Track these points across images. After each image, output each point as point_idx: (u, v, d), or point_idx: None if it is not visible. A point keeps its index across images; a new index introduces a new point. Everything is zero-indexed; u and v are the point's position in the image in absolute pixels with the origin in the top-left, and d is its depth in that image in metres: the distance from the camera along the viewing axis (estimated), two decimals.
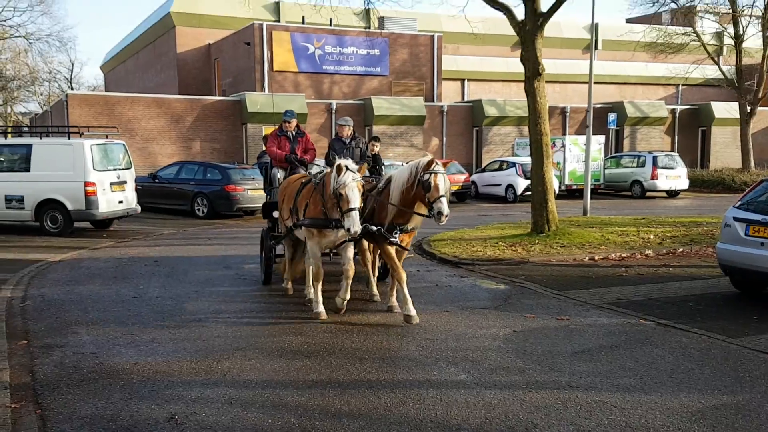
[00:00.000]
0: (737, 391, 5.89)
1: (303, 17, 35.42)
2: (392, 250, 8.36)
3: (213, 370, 6.37)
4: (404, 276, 8.26)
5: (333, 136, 10.07)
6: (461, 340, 7.42)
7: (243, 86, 33.04)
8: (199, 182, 21.41)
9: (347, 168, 7.62)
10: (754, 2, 32.18)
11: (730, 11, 31.39)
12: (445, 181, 7.81)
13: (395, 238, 8.19)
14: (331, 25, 33.43)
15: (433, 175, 7.72)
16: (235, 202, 20.62)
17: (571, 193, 28.30)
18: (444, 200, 7.75)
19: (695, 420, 5.23)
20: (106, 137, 17.95)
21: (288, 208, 8.99)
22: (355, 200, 7.49)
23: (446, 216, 7.69)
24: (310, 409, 5.45)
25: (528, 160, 17.16)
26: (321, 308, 8.36)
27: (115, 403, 5.55)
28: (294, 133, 10.64)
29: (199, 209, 21.14)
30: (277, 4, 38.71)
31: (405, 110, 31.85)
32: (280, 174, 10.54)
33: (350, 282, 8.35)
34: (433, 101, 35.25)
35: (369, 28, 36.22)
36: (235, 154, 29.49)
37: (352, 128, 10.68)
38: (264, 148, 12.61)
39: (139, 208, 18.24)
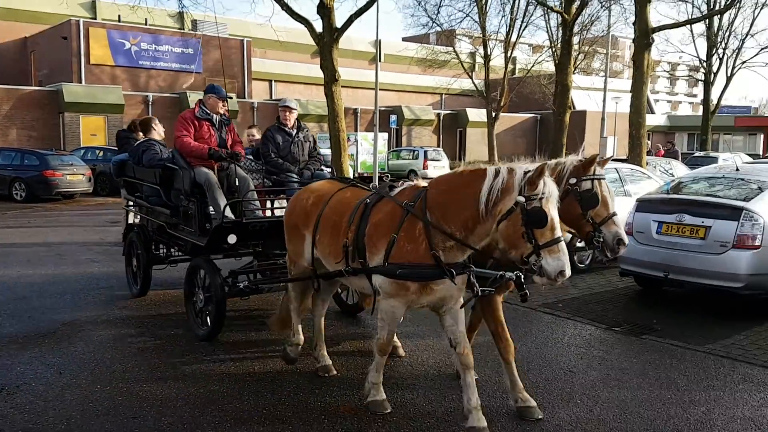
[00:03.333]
0: None
1: (119, 15, 32.76)
2: (500, 303, 4.60)
3: (41, 344, 5.81)
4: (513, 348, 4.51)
5: (273, 125, 6.85)
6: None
7: (60, 77, 29.86)
8: (16, 168, 19.09)
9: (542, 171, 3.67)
10: (498, 30, 35.16)
11: (481, 36, 33.95)
12: (611, 192, 4.40)
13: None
14: (146, 24, 31.27)
15: (597, 182, 4.30)
16: (53, 186, 18.69)
17: (362, 180, 29.03)
18: (618, 220, 4.33)
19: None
20: None
21: (335, 241, 4.51)
22: (557, 223, 3.69)
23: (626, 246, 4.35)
24: (136, 374, 5.19)
25: (328, 152, 17.47)
26: (380, 395, 4.44)
27: None
28: (222, 117, 6.45)
29: (17, 193, 18.88)
30: (94, 2, 35.47)
31: None
32: (209, 176, 6.06)
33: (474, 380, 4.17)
34: (245, 98, 34.39)
35: (183, 29, 34.41)
36: (52, 141, 26.63)
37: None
38: (133, 141, 7.71)
39: None
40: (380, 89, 22.78)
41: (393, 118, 26.33)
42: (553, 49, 30.08)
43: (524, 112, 43.79)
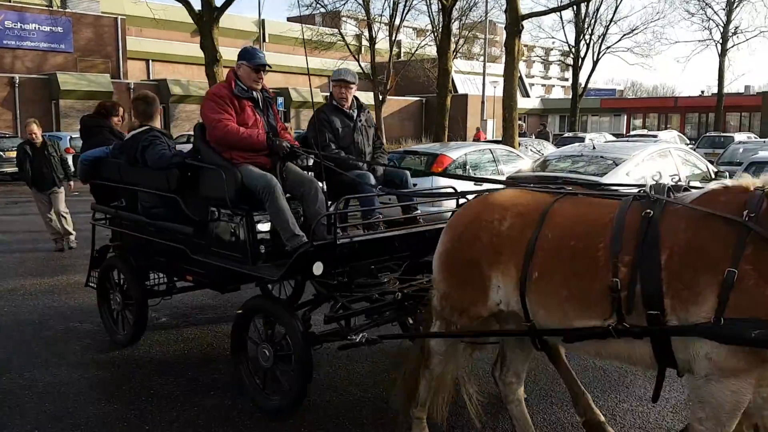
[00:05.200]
0: None
1: None
2: None
3: None
4: None
5: (326, 105, 5.12)
6: None
7: None
8: None
9: None
10: (382, 13, 35.53)
11: (366, 18, 34.18)
12: None
13: None
14: (10, 1, 28.72)
15: None
16: None
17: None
18: None
19: None
20: None
21: (582, 282, 2.79)
22: None
23: None
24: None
25: None
26: None
27: None
28: (265, 95, 4.67)
29: None
30: None
31: (93, 86, 28.92)
32: (269, 179, 4.19)
33: None
34: (119, 78, 32.54)
35: (51, 6, 31.91)
36: None
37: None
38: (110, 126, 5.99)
39: None
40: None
41: (280, 100, 26.04)
42: (435, 34, 30.87)
43: (410, 96, 44.68)
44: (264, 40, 22.64)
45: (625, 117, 49.83)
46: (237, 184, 4.16)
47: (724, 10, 35.86)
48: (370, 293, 4.28)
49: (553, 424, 3.99)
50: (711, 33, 39.28)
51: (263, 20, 22.33)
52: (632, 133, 37.39)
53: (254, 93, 4.52)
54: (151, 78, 37.75)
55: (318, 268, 3.89)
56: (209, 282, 4.80)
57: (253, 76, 4.49)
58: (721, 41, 36.37)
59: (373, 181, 4.66)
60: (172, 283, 5.38)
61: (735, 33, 36.42)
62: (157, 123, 5.20)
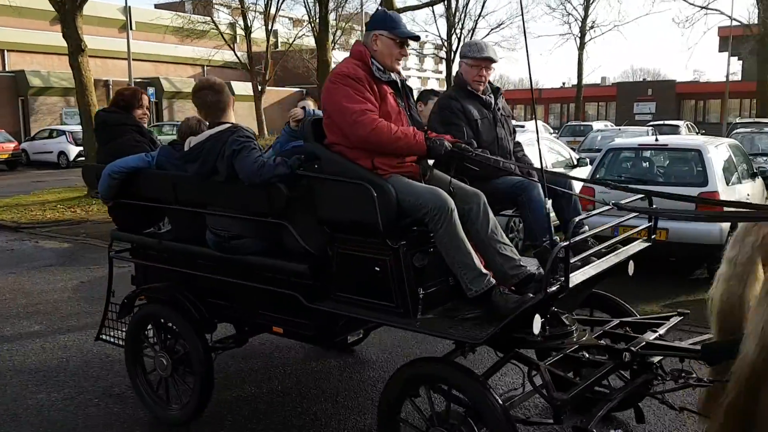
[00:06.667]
0: None
1: None
2: None
3: None
4: None
5: (457, 90, 3.85)
6: (30, 296, 6.84)
7: None
8: None
9: None
10: (257, 2, 34.82)
11: (240, 7, 33.32)
12: None
13: None
14: None
15: None
16: None
17: None
18: None
19: None
20: None
21: None
22: None
23: None
24: None
25: (79, 128, 16.03)
26: None
27: None
28: (403, 80, 3.42)
29: None
30: None
31: None
32: (442, 197, 3.00)
33: None
34: None
35: None
36: None
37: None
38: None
39: None
40: (134, 59, 21.40)
41: (151, 90, 24.91)
42: (312, 25, 30.77)
43: (290, 86, 44.22)
44: (131, 29, 21.50)
45: None
46: (392, 204, 2.98)
47: (582, 5, 38.50)
48: (576, 353, 3.13)
49: None
50: (570, 27, 42.30)
51: (129, 7, 21.18)
52: None
53: (394, 76, 3.32)
54: (6, 69, 34.59)
55: (537, 325, 2.85)
56: (314, 336, 3.54)
57: (396, 52, 3.25)
58: (579, 35, 39.10)
59: (541, 191, 3.34)
60: (243, 334, 4.06)
61: (592, 27, 39.25)
62: (233, 118, 3.80)
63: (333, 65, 29.36)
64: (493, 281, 2.97)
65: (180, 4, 34.37)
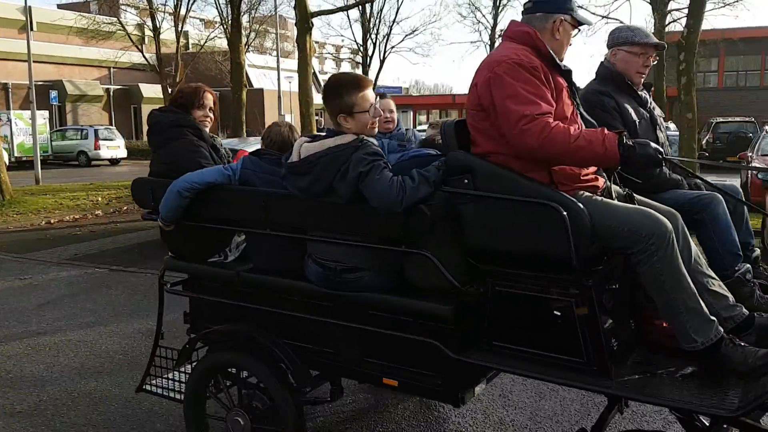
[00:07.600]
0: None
1: None
2: None
3: None
4: None
5: (605, 85, 3.21)
6: None
7: None
8: None
9: None
10: (166, 2, 33.71)
11: (148, 7, 32.18)
12: None
13: None
14: None
15: None
16: None
17: (21, 165, 25.50)
18: None
19: (143, 338, 5.64)
20: None
21: None
22: None
23: None
24: None
25: None
26: None
27: None
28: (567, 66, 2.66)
29: None
30: None
31: None
32: (644, 221, 2.33)
33: None
34: None
35: None
36: None
37: None
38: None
39: None
40: (35, 61, 20.12)
41: (53, 93, 23.60)
42: (225, 26, 30.14)
43: None
44: (32, 29, 20.29)
45: (412, 113, 53.22)
46: (587, 230, 2.30)
47: (491, 13, 39.85)
48: None
49: None
50: (481, 35, 43.40)
51: (30, 7, 19.98)
52: (419, 127, 40.13)
53: (561, 64, 2.63)
54: None
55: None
56: (442, 390, 2.66)
57: (573, 32, 2.69)
58: (489, 42, 40.37)
59: (725, 208, 2.86)
60: (338, 386, 3.29)
61: (501, 35, 40.66)
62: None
63: (248, 68, 28.85)
64: (722, 329, 2.31)
65: (84, 5, 32.75)
